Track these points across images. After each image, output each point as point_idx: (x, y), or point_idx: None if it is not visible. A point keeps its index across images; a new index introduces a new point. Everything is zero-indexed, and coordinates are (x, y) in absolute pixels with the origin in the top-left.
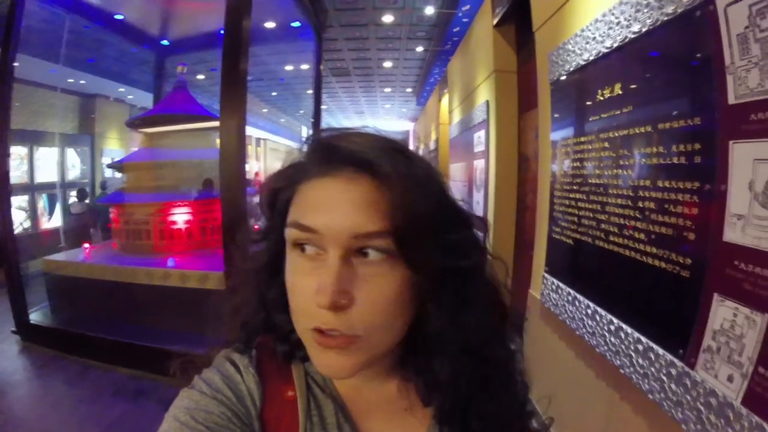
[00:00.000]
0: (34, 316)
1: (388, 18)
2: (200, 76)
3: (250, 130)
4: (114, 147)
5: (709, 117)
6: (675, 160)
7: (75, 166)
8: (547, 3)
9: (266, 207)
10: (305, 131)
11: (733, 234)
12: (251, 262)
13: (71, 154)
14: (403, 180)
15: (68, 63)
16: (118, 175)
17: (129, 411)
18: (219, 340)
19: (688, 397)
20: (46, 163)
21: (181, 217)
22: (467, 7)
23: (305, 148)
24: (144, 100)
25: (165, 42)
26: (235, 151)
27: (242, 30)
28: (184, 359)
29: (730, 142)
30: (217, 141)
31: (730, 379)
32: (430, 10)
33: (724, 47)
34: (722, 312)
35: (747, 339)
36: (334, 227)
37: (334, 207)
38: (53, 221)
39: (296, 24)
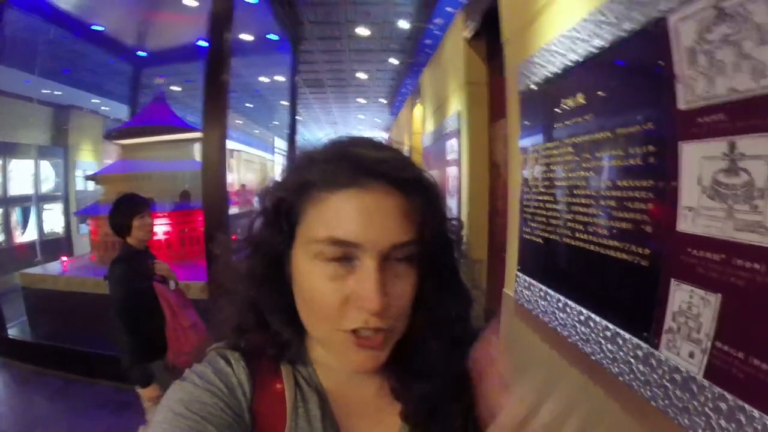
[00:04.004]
0: (12, 332)
1: (362, 31)
2: (175, 88)
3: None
4: (88, 159)
5: (661, 122)
6: (632, 162)
7: (49, 178)
8: (516, 18)
9: (271, 215)
10: (278, 142)
11: (685, 224)
12: (242, 271)
13: (45, 166)
14: (428, 196)
15: (43, 73)
16: (90, 187)
17: (115, 424)
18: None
19: (655, 376)
20: (19, 175)
21: (160, 228)
22: (439, 20)
23: (318, 158)
24: (118, 111)
25: (142, 53)
26: (217, 162)
27: (224, 42)
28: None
29: (680, 143)
30: (194, 152)
31: (691, 355)
32: (403, 24)
33: (674, 59)
34: (680, 295)
35: (703, 318)
36: (375, 239)
37: (372, 219)
38: (27, 235)
39: (273, 37)
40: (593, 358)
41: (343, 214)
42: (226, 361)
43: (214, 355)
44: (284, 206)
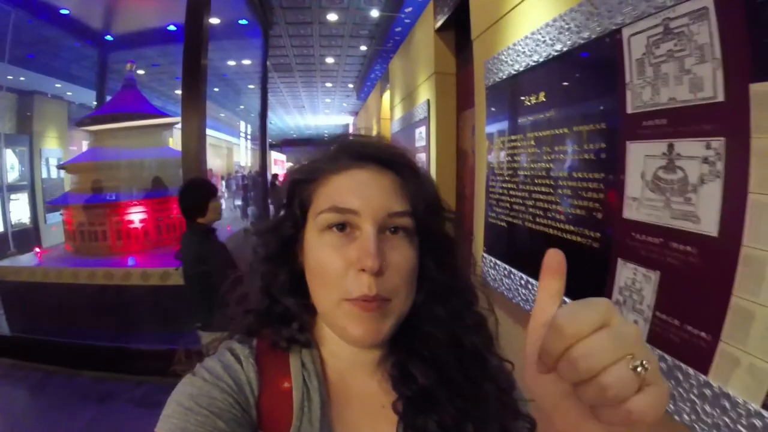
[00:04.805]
0: None
1: (332, 17)
2: (141, 72)
3: None
4: (53, 147)
5: (612, 122)
6: (586, 156)
7: (14, 167)
8: (485, 15)
9: (286, 199)
10: (244, 126)
11: (630, 212)
12: (259, 255)
13: (9, 154)
14: (417, 175)
15: (9, 59)
16: (54, 175)
17: (98, 415)
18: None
19: None
20: None
21: (137, 216)
22: (409, 9)
23: (326, 151)
24: (83, 96)
25: (109, 37)
26: (197, 148)
27: (203, 26)
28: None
29: (627, 142)
30: (166, 139)
31: (635, 323)
32: (374, 13)
33: (625, 68)
34: (625, 272)
35: (645, 291)
36: (372, 206)
37: (369, 191)
38: None
39: (243, 21)
40: None
41: (345, 187)
42: (235, 358)
43: (224, 350)
44: (298, 189)
